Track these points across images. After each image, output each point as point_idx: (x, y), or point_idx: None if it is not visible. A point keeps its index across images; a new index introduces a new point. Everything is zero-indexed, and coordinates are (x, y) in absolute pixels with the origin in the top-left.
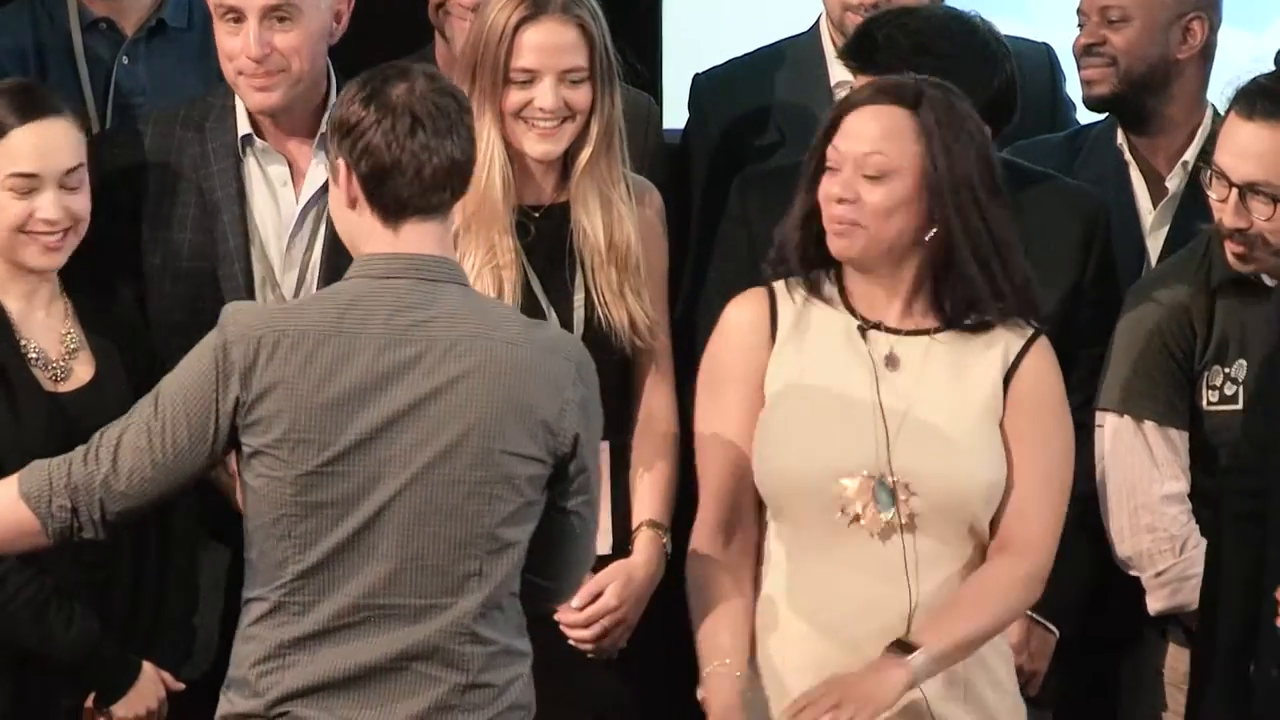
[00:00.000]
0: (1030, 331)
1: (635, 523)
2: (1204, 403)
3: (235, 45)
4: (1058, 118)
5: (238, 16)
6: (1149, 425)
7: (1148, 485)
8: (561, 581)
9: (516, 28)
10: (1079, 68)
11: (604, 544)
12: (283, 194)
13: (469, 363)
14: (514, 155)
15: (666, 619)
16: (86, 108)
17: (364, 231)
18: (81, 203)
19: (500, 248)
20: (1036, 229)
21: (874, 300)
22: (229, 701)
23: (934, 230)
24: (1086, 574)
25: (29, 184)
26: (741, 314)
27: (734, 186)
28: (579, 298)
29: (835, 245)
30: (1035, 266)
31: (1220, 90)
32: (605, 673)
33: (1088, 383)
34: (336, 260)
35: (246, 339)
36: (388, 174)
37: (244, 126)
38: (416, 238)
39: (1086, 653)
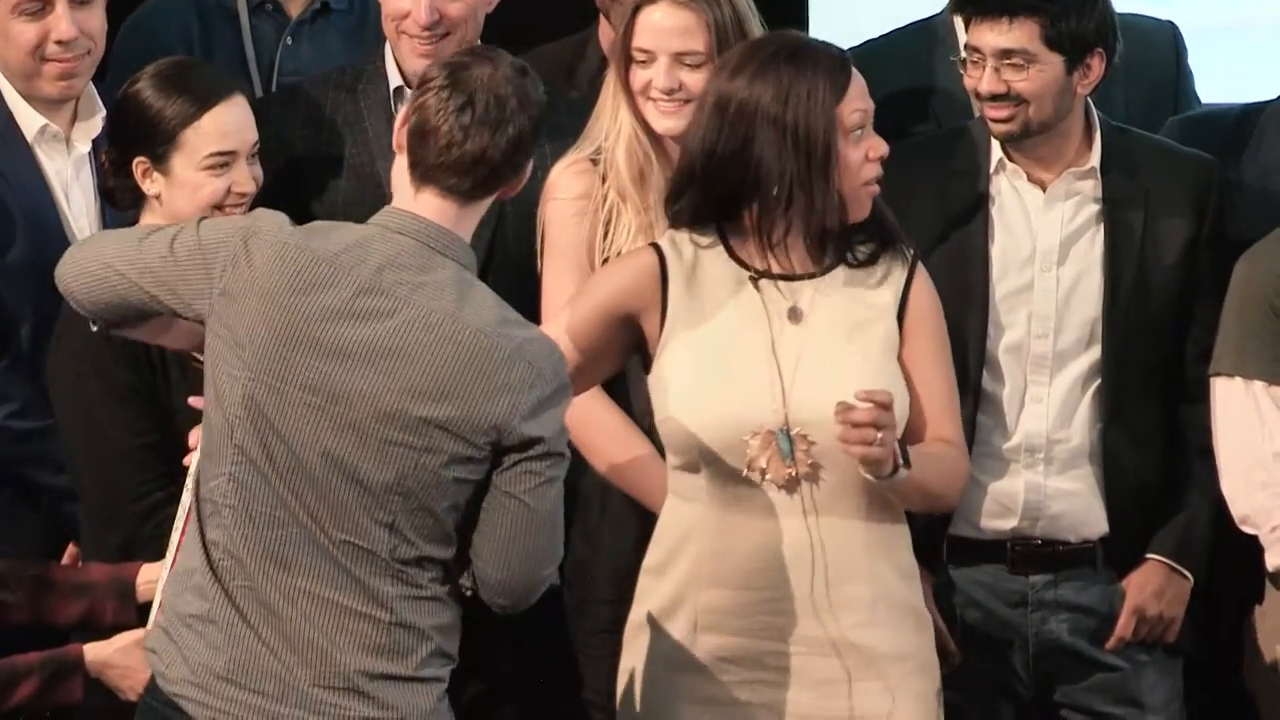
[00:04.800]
0: (909, 257)
1: None
2: None
3: (404, 5)
4: (1180, 95)
5: None
6: (1258, 385)
7: (1260, 443)
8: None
9: (636, 9)
10: None
11: None
12: None
13: (432, 335)
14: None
15: None
16: (253, 87)
17: (399, 182)
18: (259, 172)
19: (655, 215)
20: (1153, 188)
21: (758, 251)
22: None
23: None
24: (1214, 526)
25: (224, 160)
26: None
27: None
28: None
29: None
30: (1152, 221)
31: None
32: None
33: (1204, 337)
34: None
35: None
36: (424, 137)
37: (395, 79)
38: (433, 209)
39: (1211, 609)
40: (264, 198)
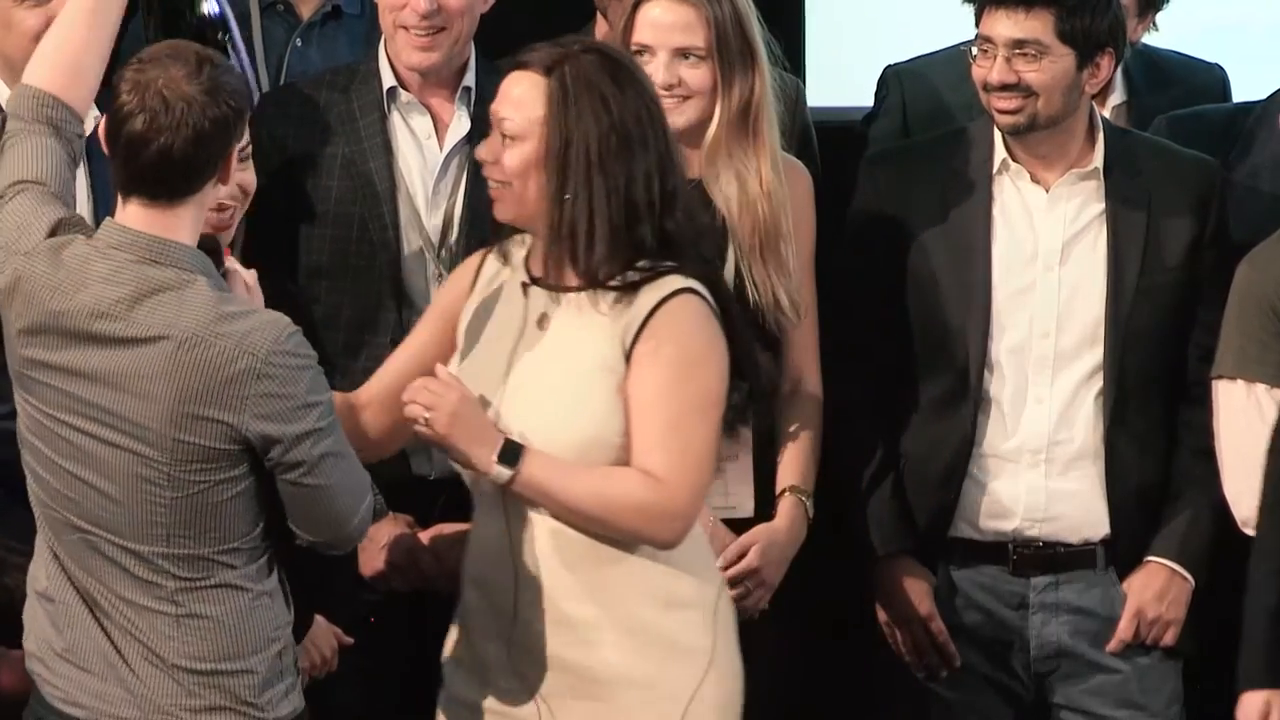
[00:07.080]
0: (670, 290)
1: (780, 487)
2: None
3: None
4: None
5: None
6: (1260, 388)
7: (1262, 445)
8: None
9: (636, 4)
10: None
11: (746, 507)
12: (427, 145)
13: (152, 353)
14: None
15: (807, 581)
16: (261, 87)
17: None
18: (248, 177)
19: None
20: (1156, 190)
21: (538, 257)
22: None
23: (568, 195)
24: (1215, 528)
25: None
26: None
27: (863, 166)
28: (729, 267)
29: (494, 207)
30: (1155, 223)
31: None
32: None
33: (1205, 339)
34: (478, 204)
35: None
36: (114, 147)
37: (389, 80)
38: (142, 219)
39: (1212, 611)
40: (257, 197)
